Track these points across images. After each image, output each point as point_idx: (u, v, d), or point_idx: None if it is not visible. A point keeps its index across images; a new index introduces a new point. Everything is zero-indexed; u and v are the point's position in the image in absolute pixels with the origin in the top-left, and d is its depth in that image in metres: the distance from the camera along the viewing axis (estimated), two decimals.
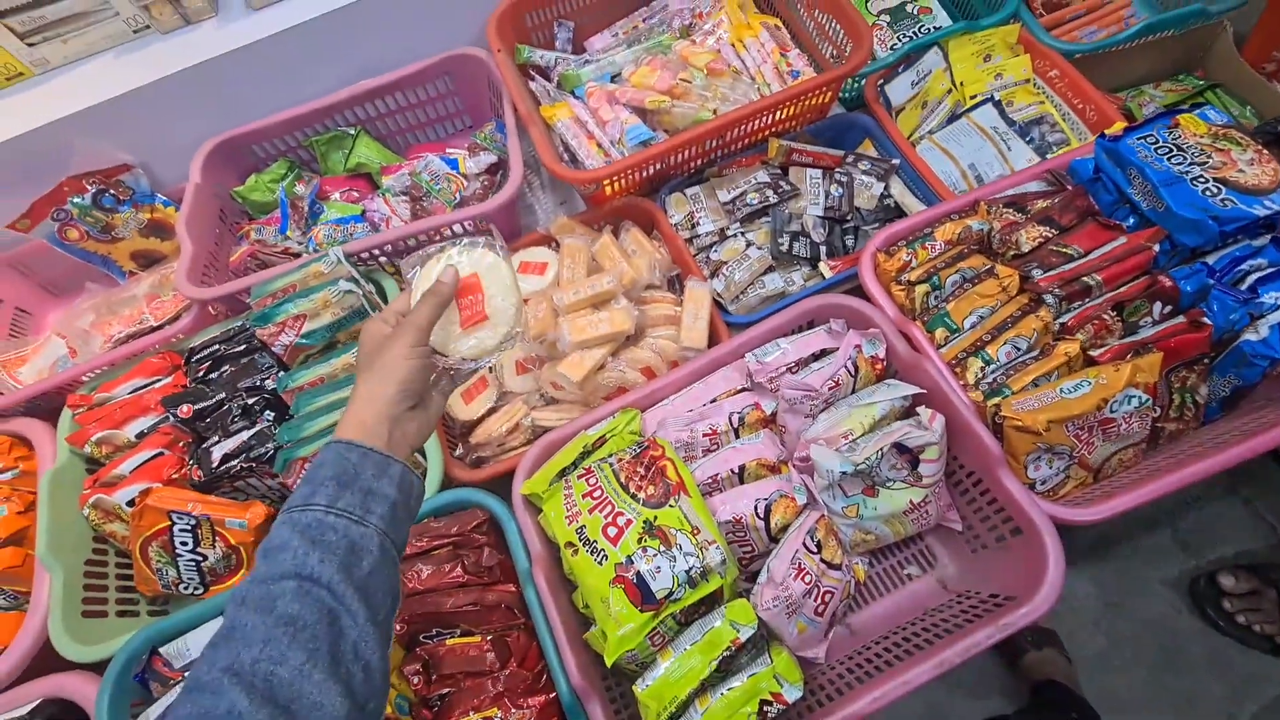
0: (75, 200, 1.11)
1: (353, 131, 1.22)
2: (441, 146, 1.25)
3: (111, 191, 1.14)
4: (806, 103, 1.07)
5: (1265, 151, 0.84)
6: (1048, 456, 0.79)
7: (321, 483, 0.48)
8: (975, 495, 0.82)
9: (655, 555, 0.70)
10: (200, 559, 0.91)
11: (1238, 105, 1.12)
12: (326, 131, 1.21)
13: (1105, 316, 0.84)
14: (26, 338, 1.23)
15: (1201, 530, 1.17)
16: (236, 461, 0.90)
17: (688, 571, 0.69)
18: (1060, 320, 0.85)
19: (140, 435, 0.97)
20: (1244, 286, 0.82)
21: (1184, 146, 0.87)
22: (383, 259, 1.07)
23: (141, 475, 0.93)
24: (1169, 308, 0.85)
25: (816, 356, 0.86)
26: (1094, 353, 0.83)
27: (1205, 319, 0.81)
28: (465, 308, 0.58)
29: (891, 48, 1.24)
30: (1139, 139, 0.90)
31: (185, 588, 0.92)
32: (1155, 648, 1.09)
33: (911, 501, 0.79)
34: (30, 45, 1.07)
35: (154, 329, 1.11)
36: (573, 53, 1.25)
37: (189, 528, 0.89)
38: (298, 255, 1.12)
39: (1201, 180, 0.83)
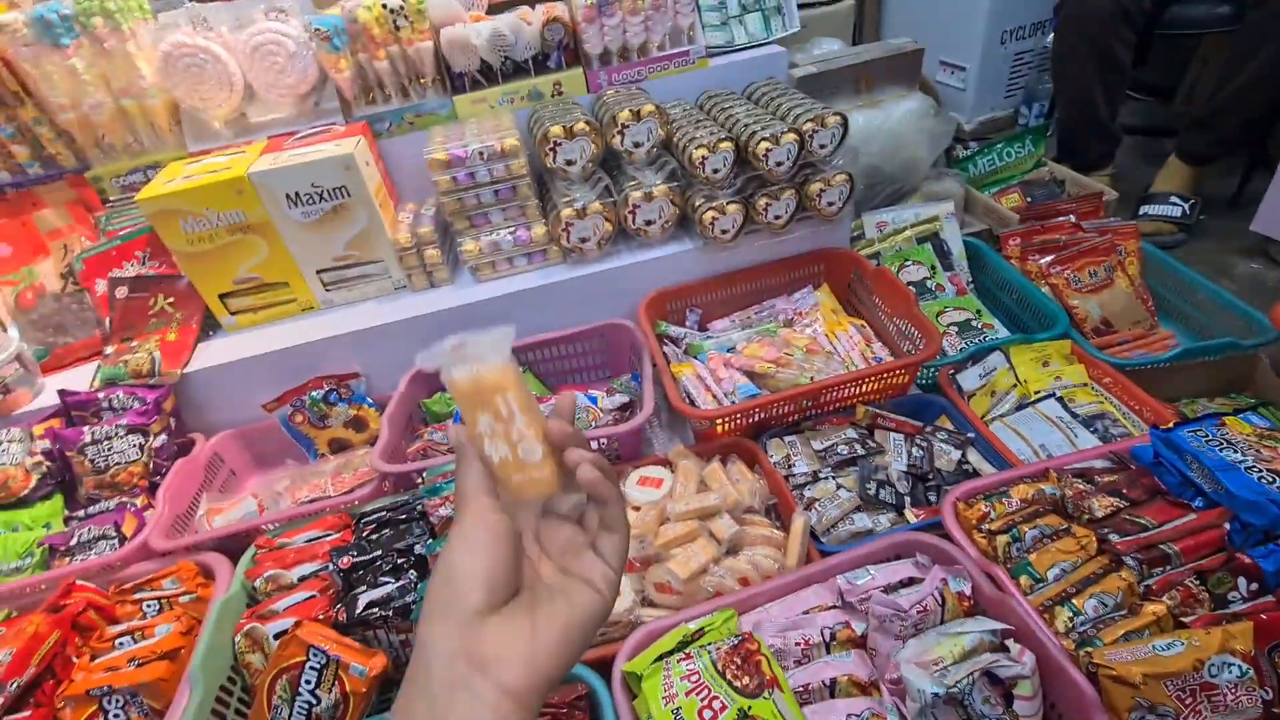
0: (313, 394, 1.47)
1: (521, 369, 1.58)
2: (585, 387, 1.56)
3: (338, 390, 1.50)
4: (888, 380, 1.31)
5: None
6: (1151, 718, 0.78)
7: None
8: None
9: None
10: (313, 703, 0.98)
11: None
12: None
13: (1190, 584, 0.88)
14: (228, 495, 1.49)
15: None
16: (378, 609, 1.03)
17: None
18: (1144, 584, 0.90)
19: (302, 578, 1.13)
20: None
21: (1233, 442, 1.00)
22: None
23: (293, 612, 1.07)
24: (1255, 585, 0.88)
25: (904, 584, 0.93)
26: (1184, 619, 0.85)
27: None
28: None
29: (959, 351, 1.50)
30: (1190, 432, 1.03)
31: None
32: None
33: None
34: (328, 290, 1.55)
35: (333, 498, 1.35)
36: (699, 331, 1.61)
37: (319, 665, 0.99)
38: None
39: (1255, 470, 0.94)
